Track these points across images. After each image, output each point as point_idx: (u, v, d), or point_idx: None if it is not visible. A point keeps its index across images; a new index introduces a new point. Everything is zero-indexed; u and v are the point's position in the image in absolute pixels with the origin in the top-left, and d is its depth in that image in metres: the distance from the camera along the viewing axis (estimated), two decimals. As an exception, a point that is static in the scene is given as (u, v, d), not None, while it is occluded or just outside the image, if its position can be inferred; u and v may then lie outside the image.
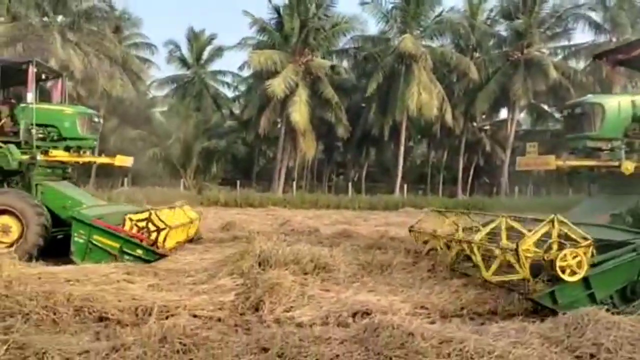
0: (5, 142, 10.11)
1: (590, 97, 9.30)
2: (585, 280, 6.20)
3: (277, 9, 35.70)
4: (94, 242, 9.03)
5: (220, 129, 40.66)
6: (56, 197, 10.28)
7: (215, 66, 43.17)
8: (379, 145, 39.72)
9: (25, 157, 10.03)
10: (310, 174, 40.60)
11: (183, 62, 41.56)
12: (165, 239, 9.37)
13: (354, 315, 6.26)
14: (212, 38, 41.66)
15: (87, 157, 11.30)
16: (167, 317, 5.75)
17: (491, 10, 37.45)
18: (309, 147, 35.27)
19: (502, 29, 37.11)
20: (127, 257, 8.95)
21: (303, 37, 33.90)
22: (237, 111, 43.32)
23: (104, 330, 5.61)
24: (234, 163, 41.04)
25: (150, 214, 9.43)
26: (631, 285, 6.47)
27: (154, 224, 9.39)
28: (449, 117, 34.35)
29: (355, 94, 37.62)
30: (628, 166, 8.11)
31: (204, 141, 36.42)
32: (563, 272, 6.07)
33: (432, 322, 5.72)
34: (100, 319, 5.91)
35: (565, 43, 35.71)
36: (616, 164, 8.25)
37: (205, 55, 42.03)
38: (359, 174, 41.63)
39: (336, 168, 44.12)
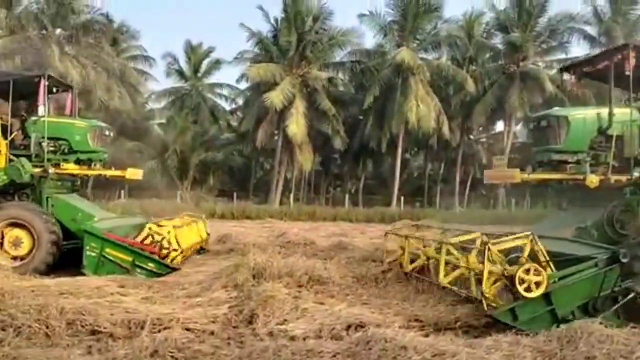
0: (17, 156, 10.15)
1: (555, 110, 9.30)
2: (546, 296, 6.09)
3: (274, 22, 35.98)
4: (106, 255, 9.06)
5: (218, 141, 40.72)
6: (66, 209, 10.30)
7: (213, 79, 43.35)
8: (376, 157, 39.77)
9: (37, 170, 10.06)
10: (307, 186, 40.59)
11: (181, 74, 41.73)
12: (174, 258, 9.48)
13: (347, 328, 6.25)
14: (210, 51, 41.89)
15: (97, 170, 11.37)
16: (159, 330, 5.74)
17: (487, 24, 37.72)
18: (306, 159, 35.32)
19: (498, 41, 37.38)
20: (139, 270, 8.99)
21: (300, 50, 34.11)
22: (234, 123, 43.41)
23: (96, 344, 5.59)
24: (231, 175, 41.05)
25: (169, 232, 9.55)
26: (593, 301, 6.34)
27: (169, 243, 9.50)
28: (445, 129, 34.45)
29: (353, 106, 37.75)
30: (592, 179, 8.02)
31: (201, 153, 36.47)
32: (524, 288, 5.96)
33: (426, 335, 5.69)
34: (93, 332, 5.89)
35: (561, 56, 35.93)
36: (581, 177, 8.19)
37: (203, 67, 42.21)
38: (356, 186, 41.65)
39: (333, 180, 44.14)
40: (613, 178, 8.02)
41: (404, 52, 32.68)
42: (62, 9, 30.16)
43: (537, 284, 5.98)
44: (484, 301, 6.15)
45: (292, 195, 35.98)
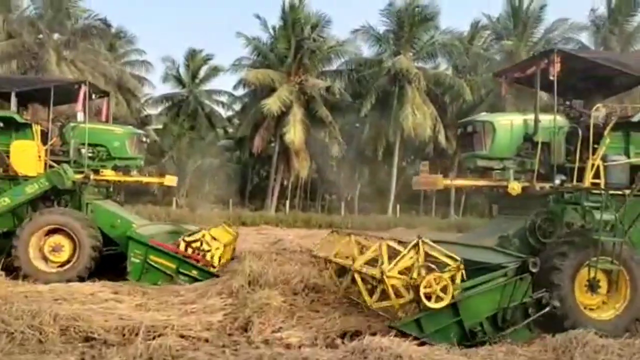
0: (56, 162, 10.21)
1: (481, 115, 9.15)
2: (454, 306, 5.93)
3: (272, 30, 36.12)
4: (151, 262, 9.14)
5: (214, 148, 40.70)
6: (106, 216, 10.37)
7: (210, 85, 43.37)
8: (373, 165, 39.80)
9: (78, 176, 10.09)
10: (303, 193, 40.56)
11: (178, 80, 41.74)
12: (219, 258, 9.51)
13: (342, 336, 6.24)
14: (208, 58, 41.94)
15: (136, 177, 11.42)
16: (154, 338, 5.71)
17: (486, 35, 37.94)
18: (303, 166, 35.34)
19: (495, 50, 37.52)
20: (182, 277, 9.05)
21: (298, 58, 34.20)
22: (231, 130, 43.39)
23: (89, 350, 5.57)
24: (227, 182, 41.03)
25: (204, 235, 9.56)
26: (502, 312, 6.15)
27: (207, 244, 9.52)
28: (442, 137, 34.52)
29: (350, 114, 37.81)
30: (515, 187, 7.84)
31: (197, 160, 36.43)
32: (428, 298, 5.79)
33: (421, 344, 5.69)
34: (87, 339, 5.87)
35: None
36: (504, 184, 8.04)
37: (201, 74, 42.24)
38: (352, 194, 41.64)
39: (329, 187, 44.15)
40: (538, 185, 7.86)
41: (400, 60, 32.80)
42: (60, 14, 30.17)
43: (442, 294, 5.80)
44: (380, 285, 5.99)
45: (288, 202, 35.94)
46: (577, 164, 7.71)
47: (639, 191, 7.65)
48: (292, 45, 34.40)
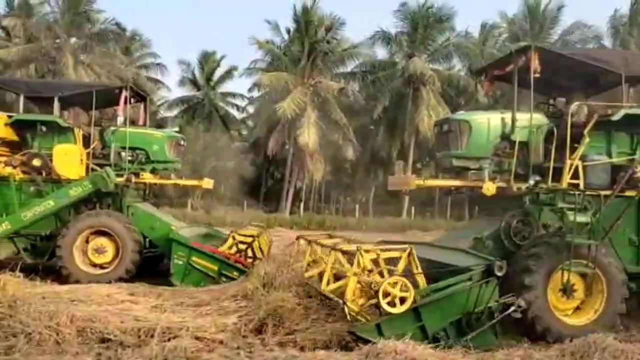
0: (98, 165, 10.41)
1: (458, 114, 8.95)
2: (416, 311, 5.73)
3: (286, 32, 36.25)
4: (193, 264, 9.29)
5: (229, 150, 40.89)
6: (146, 218, 10.53)
7: (225, 88, 43.63)
8: (387, 167, 39.70)
9: (120, 179, 10.25)
10: (317, 195, 40.58)
11: (194, 83, 42.04)
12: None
13: (357, 339, 6.20)
14: (221, 59, 42.23)
15: (174, 180, 11.64)
16: (169, 339, 5.73)
17: (499, 35, 37.63)
18: (317, 169, 35.34)
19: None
20: (225, 279, 9.18)
21: (311, 60, 34.25)
22: (245, 132, 43.58)
23: (105, 351, 5.61)
24: (241, 184, 41.18)
25: (254, 240, 9.79)
26: (466, 317, 5.92)
27: (253, 252, 9.75)
28: (457, 139, 34.35)
29: (364, 116, 37.77)
30: (489, 187, 7.61)
31: (212, 162, 36.59)
32: (388, 303, 5.59)
33: (436, 348, 5.64)
34: (103, 340, 5.91)
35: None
36: (479, 184, 7.82)
37: (215, 76, 42.51)
38: (366, 196, 41.56)
39: (344, 189, 44.09)
40: (515, 186, 7.61)
41: (415, 62, 32.70)
42: (78, 18, 30.54)
43: (403, 299, 5.61)
44: (346, 310, 5.80)
45: (302, 205, 35.97)
46: (551, 164, 7.50)
47: (620, 192, 7.47)
48: (306, 47, 34.46)
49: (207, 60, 41.80)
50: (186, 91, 42.61)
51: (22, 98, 11.05)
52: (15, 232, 9.95)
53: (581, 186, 7.33)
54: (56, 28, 30.12)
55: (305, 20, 34.80)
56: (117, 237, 9.74)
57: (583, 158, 7.51)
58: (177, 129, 41.07)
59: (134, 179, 10.47)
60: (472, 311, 5.89)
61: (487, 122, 8.06)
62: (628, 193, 7.61)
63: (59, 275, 9.64)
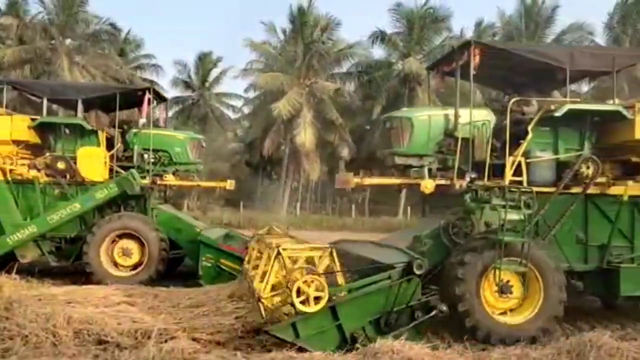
0: (122, 168, 10.49)
1: (400, 111, 8.91)
2: (333, 310, 5.64)
3: (282, 33, 36.26)
4: (222, 265, 9.35)
5: (225, 151, 40.86)
6: (170, 220, 10.59)
7: (220, 89, 43.58)
8: (383, 167, 39.69)
9: (146, 181, 10.31)
10: (313, 196, 40.58)
11: (187, 84, 41.98)
12: None
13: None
14: (218, 60, 42.16)
15: (196, 181, 11.73)
16: (166, 340, 5.72)
17: (494, 35, 37.68)
18: (313, 169, 35.35)
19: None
20: None
21: (307, 60, 34.25)
22: (241, 133, 43.55)
23: (102, 353, 5.60)
24: (237, 184, 41.19)
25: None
26: (385, 316, 5.78)
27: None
28: (452, 139, 34.41)
29: (360, 116, 37.79)
30: (428, 185, 7.57)
31: (208, 163, 36.53)
32: (303, 301, 5.49)
33: (434, 348, 5.66)
34: (100, 341, 5.89)
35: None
36: (418, 182, 7.75)
37: (211, 77, 42.45)
38: (362, 196, 41.59)
39: (340, 189, 44.10)
40: (457, 183, 7.51)
41: (410, 62, 32.74)
42: (71, 19, 30.45)
43: (318, 298, 5.52)
44: (261, 307, 5.73)
45: (298, 205, 35.97)
46: (487, 161, 7.44)
47: (566, 189, 7.40)
48: (302, 48, 34.47)
49: (204, 61, 41.75)
50: (179, 92, 42.52)
51: (45, 101, 11.07)
52: (40, 235, 9.96)
53: (524, 183, 7.23)
54: (51, 29, 30.01)
55: (301, 21, 34.81)
56: (143, 239, 9.81)
57: (527, 154, 7.41)
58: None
59: (159, 181, 10.61)
60: (391, 310, 5.78)
61: (429, 119, 8.01)
62: (574, 190, 7.51)
63: (56, 277, 9.64)
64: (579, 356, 5.36)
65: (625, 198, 7.52)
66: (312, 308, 5.48)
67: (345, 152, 35.78)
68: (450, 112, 7.97)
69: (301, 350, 5.67)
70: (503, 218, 6.64)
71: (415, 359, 4.98)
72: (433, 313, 5.88)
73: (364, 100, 37.71)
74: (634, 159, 7.76)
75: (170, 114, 42.99)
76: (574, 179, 7.44)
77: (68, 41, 31.06)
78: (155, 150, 10.88)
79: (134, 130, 11.00)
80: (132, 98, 11.16)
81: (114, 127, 10.92)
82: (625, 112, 7.40)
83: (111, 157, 10.46)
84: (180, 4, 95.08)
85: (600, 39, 33.84)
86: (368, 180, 8.41)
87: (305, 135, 33.24)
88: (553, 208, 7.40)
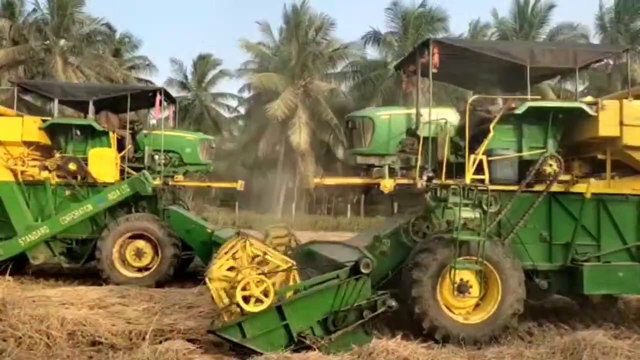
0: (133, 169, 10.50)
1: (362, 110, 8.85)
2: (279, 309, 5.59)
3: (278, 33, 36.24)
4: None
5: (220, 151, 40.78)
6: (181, 221, 10.55)
7: (216, 89, 43.50)
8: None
9: (158, 182, 10.34)
10: (309, 196, 40.56)
11: (183, 85, 41.88)
12: None
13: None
14: (217, 63, 42.11)
15: (208, 182, 11.86)
16: (160, 341, 5.71)
17: (490, 35, 37.79)
18: (309, 169, 35.34)
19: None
20: None
21: (302, 60, 34.25)
22: (237, 133, 43.49)
23: (97, 354, 5.60)
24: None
25: (290, 237, 9.56)
26: (333, 316, 5.72)
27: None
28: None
29: (355, 116, 37.78)
30: (386, 184, 7.53)
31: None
32: (247, 300, 5.46)
33: (429, 347, 5.67)
34: (94, 343, 5.88)
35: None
36: (377, 181, 7.69)
37: (207, 78, 42.38)
38: (358, 196, 41.61)
39: (335, 190, 44.12)
40: (420, 182, 7.39)
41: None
42: (66, 20, 30.34)
43: (264, 296, 5.49)
44: (215, 304, 5.68)
45: (294, 205, 35.97)
46: (445, 159, 7.32)
47: (528, 187, 7.32)
48: (296, 48, 34.46)
49: (202, 62, 41.69)
50: (175, 92, 42.36)
51: (56, 102, 11.07)
52: (52, 236, 9.96)
53: (486, 181, 7.18)
54: (45, 30, 29.89)
55: (295, 21, 34.80)
56: (156, 240, 9.83)
57: (489, 153, 7.35)
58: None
59: (171, 182, 10.65)
60: (338, 310, 5.72)
61: (390, 119, 7.95)
62: (538, 188, 7.43)
63: (49, 278, 9.61)
64: (572, 355, 5.38)
65: (588, 196, 7.44)
66: (255, 308, 5.47)
67: (340, 153, 35.80)
68: (413, 111, 7.93)
69: (297, 350, 5.68)
70: (458, 217, 6.56)
71: (410, 358, 4.99)
72: (381, 310, 5.81)
73: (359, 101, 37.72)
74: (600, 156, 7.65)
75: (165, 113, 42.99)
76: (538, 177, 7.36)
77: (62, 42, 30.94)
78: (165, 151, 10.91)
79: (145, 132, 11.08)
80: (143, 99, 11.22)
81: (123, 128, 10.96)
82: (587, 109, 7.29)
83: (122, 158, 10.49)
84: (177, 4, 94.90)
85: (595, 39, 34.02)
86: (328, 181, 8.37)
87: (300, 136, 33.24)
88: (516, 206, 7.33)
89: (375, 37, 35.10)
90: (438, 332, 6.48)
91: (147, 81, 39.24)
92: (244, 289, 5.45)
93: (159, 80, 51.60)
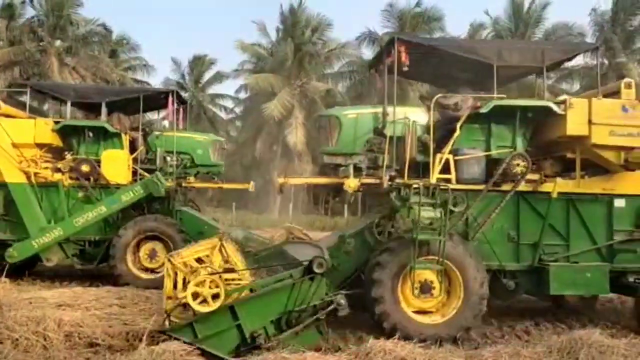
0: (146, 170, 10.52)
1: (330, 110, 8.77)
2: (232, 309, 5.58)
3: (275, 33, 36.21)
4: None
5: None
6: (194, 222, 10.63)
7: (212, 89, 43.47)
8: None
9: (170, 184, 10.35)
10: (306, 196, 40.56)
11: (180, 85, 41.83)
12: None
13: (345, 339, 6.23)
14: (212, 63, 42.08)
15: (219, 184, 11.80)
16: (157, 343, 5.69)
17: (487, 35, 37.84)
18: (305, 169, 35.34)
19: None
20: None
21: (298, 61, 34.25)
22: (233, 134, 43.45)
23: (94, 356, 5.59)
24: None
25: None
26: (287, 315, 5.68)
27: None
28: (444, 139, 34.47)
29: (352, 116, 37.77)
30: (350, 184, 7.51)
31: (200, 163, 36.44)
32: (200, 302, 5.47)
33: (426, 347, 5.67)
34: (91, 344, 5.88)
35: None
36: (342, 180, 7.66)
37: (204, 79, 42.35)
38: (355, 196, 41.60)
39: (332, 190, 44.03)
40: (386, 182, 7.28)
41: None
42: (62, 21, 30.26)
43: (216, 296, 5.50)
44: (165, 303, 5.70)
45: (290, 205, 35.96)
46: (407, 158, 7.24)
47: (496, 186, 7.23)
48: (293, 48, 34.46)
49: (197, 63, 41.65)
50: (174, 93, 42.31)
51: (69, 104, 11.06)
52: (66, 238, 9.96)
53: (453, 181, 7.13)
54: (39, 31, 29.81)
55: (292, 21, 34.80)
56: (169, 242, 9.82)
57: (455, 152, 7.29)
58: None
59: (184, 184, 10.69)
60: (292, 309, 5.70)
61: (356, 118, 7.92)
62: (505, 187, 7.34)
63: (46, 279, 9.58)
64: (569, 354, 5.40)
65: (554, 195, 7.35)
66: (205, 308, 5.48)
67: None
68: (378, 110, 7.86)
69: (294, 351, 5.67)
70: (418, 216, 6.47)
71: (407, 358, 4.99)
72: (330, 308, 5.77)
73: (355, 101, 37.72)
74: (570, 155, 7.57)
75: (162, 114, 42.93)
76: (505, 176, 7.26)
77: (58, 42, 30.86)
78: (177, 153, 10.94)
79: (156, 133, 11.10)
80: (155, 100, 11.24)
81: (134, 129, 10.96)
82: (555, 108, 7.20)
83: (134, 159, 10.52)
84: (174, 4, 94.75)
85: (591, 39, 34.08)
86: (292, 180, 8.35)
87: (297, 136, 33.25)
88: (483, 206, 7.27)
89: (370, 38, 35.09)
90: (399, 333, 6.34)
91: (144, 82, 39.18)
92: (197, 285, 5.50)
93: (156, 82, 51.51)
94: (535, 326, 7.57)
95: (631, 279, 7.49)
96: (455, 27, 71.71)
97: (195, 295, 5.52)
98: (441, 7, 36.54)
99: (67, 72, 29.55)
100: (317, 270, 5.74)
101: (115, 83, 32.18)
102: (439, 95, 7.58)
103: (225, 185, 12.20)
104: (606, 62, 31.97)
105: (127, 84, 34.26)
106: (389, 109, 7.66)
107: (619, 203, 7.49)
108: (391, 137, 7.46)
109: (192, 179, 11.10)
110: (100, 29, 32.95)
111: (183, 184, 10.80)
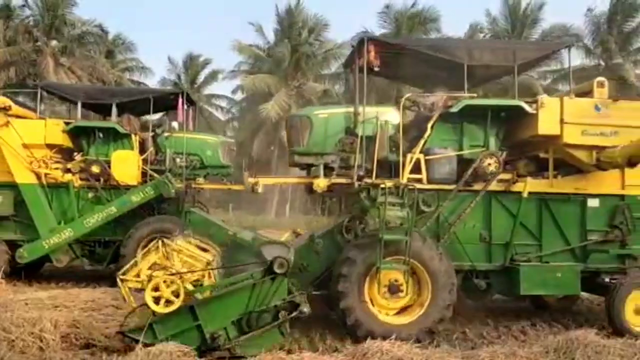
0: (155, 171, 10.52)
1: (301, 110, 8.80)
2: (192, 310, 5.56)
3: (272, 34, 36.19)
4: None
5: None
6: (203, 224, 10.57)
7: (209, 90, 43.41)
8: (372, 167, 39.72)
9: (180, 184, 10.35)
10: (303, 197, 40.54)
11: (176, 86, 41.73)
12: None
13: (342, 340, 6.23)
14: (207, 62, 42.02)
15: (227, 185, 11.87)
16: (154, 344, 5.68)
17: (485, 35, 37.89)
18: (302, 170, 35.32)
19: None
20: None
21: (295, 62, 34.24)
22: (230, 134, 43.41)
23: (90, 357, 5.58)
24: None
25: None
26: (247, 316, 5.65)
27: None
28: (441, 139, 34.49)
29: (348, 117, 37.77)
30: (320, 184, 7.54)
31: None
32: (158, 301, 5.47)
33: (423, 347, 5.68)
34: (87, 345, 5.86)
35: (555, 67, 36.09)
36: (311, 180, 7.69)
37: (200, 79, 42.29)
38: (352, 197, 41.55)
39: (329, 190, 44.05)
40: (357, 182, 7.22)
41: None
42: (57, 21, 30.20)
43: (174, 297, 5.50)
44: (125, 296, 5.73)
45: (288, 206, 35.94)
46: (375, 158, 7.19)
47: (468, 186, 7.20)
48: (289, 49, 34.45)
49: (192, 62, 41.58)
50: (170, 94, 42.23)
51: (79, 105, 11.05)
52: (76, 238, 9.96)
53: (424, 180, 7.11)
54: (35, 31, 29.73)
55: (288, 22, 34.79)
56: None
57: (427, 152, 7.24)
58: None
59: (194, 185, 10.72)
60: (253, 310, 5.66)
61: (327, 118, 7.89)
62: (476, 187, 7.29)
63: (42, 280, 9.55)
64: (566, 354, 5.41)
65: (525, 195, 7.30)
66: (163, 308, 5.48)
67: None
68: (350, 110, 7.83)
69: (290, 351, 5.68)
70: (383, 216, 6.44)
71: (404, 358, 5.00)
72: (294, 314, 5.74)
73: (352, 101, 37.66)
74: (542, 155, 7.54)
75: (158, 115, 42.84)
76: (476, 176, 7.21)
77: (54, 43, 30.78)
78: (187, 154, 10.96)
79: (166, 134, 11.08)
80: (165, 102, 11.24)
81: (143, 130, 10.95)
82: (526, 107, 7.17)
83: (144, 160, 10.51)
84: (171, 4, 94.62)
85: (586, 39, 34.15)
86: (263, 180, 8.32)
87: (294, 137, 33.24)
88: (454, 206, 7.23)
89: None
90: (360, 330, 6.36)
91: (140, 83, 39.08)
92: (155, 289, 5.49)
93: (152, 83, 51.37)
94: (532, 326, 7.58)
95: (607, 279, 7.48)
96: (455, 28, 71.87)
97: (157, 300, 5.51)
98: (439, 8, 36.39)
99: (63, 73, 29.46)
100: (277, 270, 5.70)
101: (112, 83, 32.11)
102: (408, 94, 7.55)
103: (235, 187, 12.18)
104: (602, 63, 32.06)
105: (124, 84, 34.20)
106: (360, 109, 7.64)
107: (593, 203, 7.48)
108: (362, 137, 7.41)
109: (201, 180, 11.08)
110: (96, 29, 32.87)
111: (193, 185, 10.80)
